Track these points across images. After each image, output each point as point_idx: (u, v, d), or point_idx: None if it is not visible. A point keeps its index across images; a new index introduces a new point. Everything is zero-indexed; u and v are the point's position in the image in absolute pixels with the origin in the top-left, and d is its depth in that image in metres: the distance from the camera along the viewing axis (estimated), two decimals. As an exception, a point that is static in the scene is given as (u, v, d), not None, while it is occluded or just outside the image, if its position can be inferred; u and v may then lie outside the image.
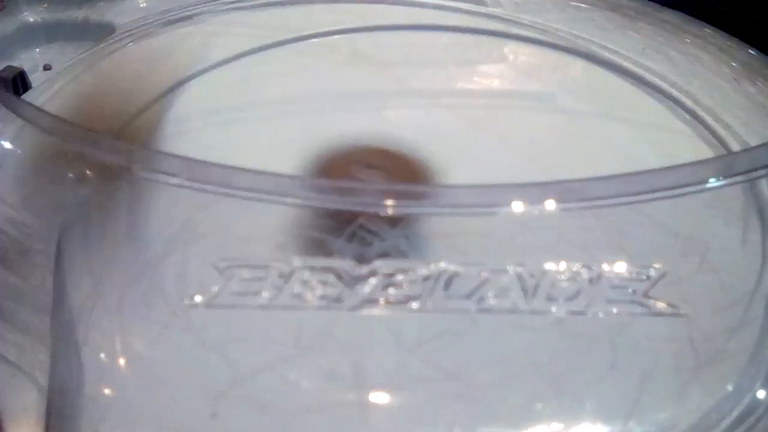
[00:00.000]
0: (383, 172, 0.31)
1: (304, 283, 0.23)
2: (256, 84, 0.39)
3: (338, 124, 0.36)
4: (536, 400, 0.22)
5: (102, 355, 0.23)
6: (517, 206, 0.24)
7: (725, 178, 0.24)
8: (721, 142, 0.35)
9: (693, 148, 0.35)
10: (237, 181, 0.24)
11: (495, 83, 0.40)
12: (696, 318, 0.23)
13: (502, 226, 0.25)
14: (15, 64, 0.42)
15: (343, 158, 0.32)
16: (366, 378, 0.22)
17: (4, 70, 0.39)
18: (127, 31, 0.43)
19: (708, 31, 0.43)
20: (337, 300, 0.23)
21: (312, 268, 0.24)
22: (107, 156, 0.26)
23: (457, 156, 0.34)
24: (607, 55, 0.41)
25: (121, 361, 0.23)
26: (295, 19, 0.44)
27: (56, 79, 0.39)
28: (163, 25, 0.43)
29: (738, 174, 0.25)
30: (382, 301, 0.23)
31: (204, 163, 0.24)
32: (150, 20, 0.44)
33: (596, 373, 0.22)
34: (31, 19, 0.45)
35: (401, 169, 0.32)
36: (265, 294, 0.23)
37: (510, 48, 0.42)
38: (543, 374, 0.22)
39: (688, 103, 0.37)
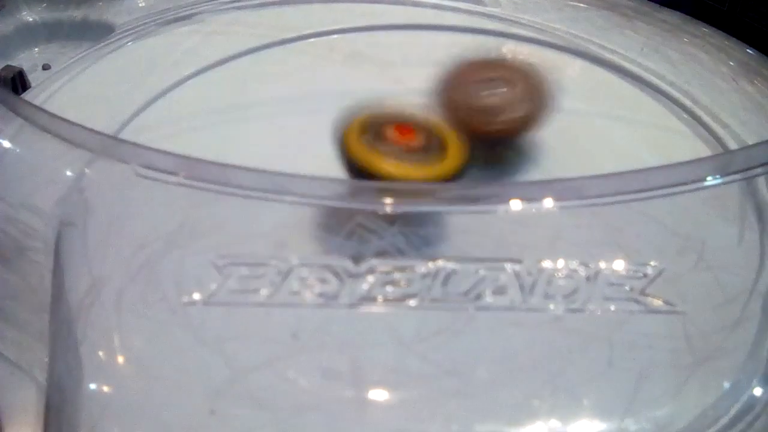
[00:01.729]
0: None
1: (302, 280, 0.23)
2: (255, 83, 0.39)
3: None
4: (533, 397, 0.22)
5: (100, 353, 0.23)
6: (515, 204, 0.24)
7: (722, 176, 0.25)
8: (719, 141, 0.35)
9: (691, 147, 0.35)
10: (235, 180, 0.24)
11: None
12: (693, 315, 0.23)
13: (499, 223, 0.25)
14: (14, 63, 0.42)
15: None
16: (364, 375, 0.22)
17: (3, 69, 0.39)
18: (126, 30, 0.43)
19: (706, 30, 0.43)
20: (335, 297, 0.23)
21: (310, 266, 0.24)
22: (106, 155, 0.27)
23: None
24: (605, 54, 0.41)
25: (120, 359, 0.23)
26: (294, 19, 0.44)
27: (55, 79, 0.39)
28: (162, 25, 0.43)
29: (735, 172, 0.25)
30: (379, 298, 0.23)
31: (202, 161, 0.24)
32: (149, 20, 0.44)
33: (593, 371, 0.22)
34: (30, 19, 0.45)
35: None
36: (264, 291, 0.23)
37: (508, 47, 0.42)
38: (540, 371, 0.22)
39: (687, 102, 0.38)
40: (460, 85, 0.33)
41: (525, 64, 0.34)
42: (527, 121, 0.33)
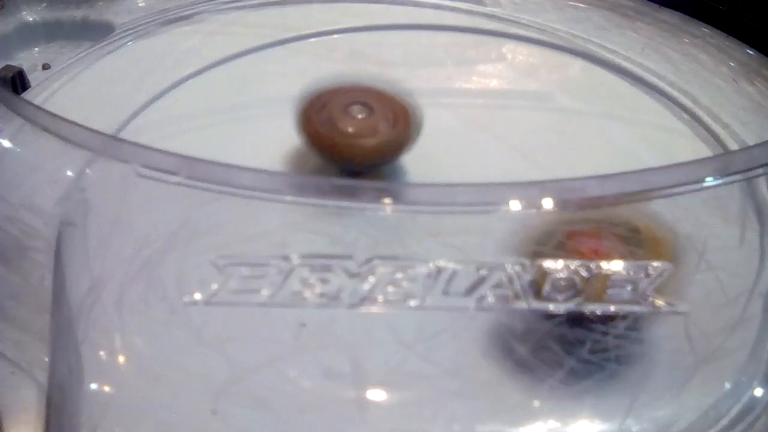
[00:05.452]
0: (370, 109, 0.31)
1: (304, 280, 0.23)
2: (255, 83, 0.39)
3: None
4: (534, 397, 0.22)
5: (101, 353, 0.23)
6: (515, 204, 0.24)
7: (723, 176, 0.25)
8: (720, 141, 0.35)
9: (691, 148, 0.35)
10: (236, 179, 0.24)
11: (493, 83, 0.40)
12: (694, 316, 0.23)
13: (500, 223, 0.25)
14: (14, 63, 0.42)
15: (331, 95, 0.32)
16: (365, 375, 0.22)
17: (3, 69, 0.39)
18: (126, 30, 0.43)
19: (706, 30, 0.43)
20: (336, 298, 0.23)
21: (311, 266, 0.24)
22: (106, 154, 0.26)
23: (455, 155, 0.34)
24: (605, 54, 0.41)
25: (121, 359, 0.23)
26: (293, 19, 0.44)
27: (55, 79, 0.39)
28: (162, 25, 0.43)
29: (735, 173, 0.25)
30: (381, 298, 0.23)
31: (203, 161, 0.24)
32: (149, 19, 0.44)
33: (594, 371, 0.22)
34: (30, 19, 0.45)
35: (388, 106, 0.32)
36: (265, 291, 0.23)
37: (508, 47, 0.42)
38: (541, 371, 0.22)
39: (687, 102, 0.38)
40: (319, 111, 0.31)
41: (392, 90, 0.32)
42: (390, 148, 0.31)
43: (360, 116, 0.31)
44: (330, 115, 0.31)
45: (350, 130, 0.30)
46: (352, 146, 0.31)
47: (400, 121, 0.31)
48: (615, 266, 0.24)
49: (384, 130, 0.31)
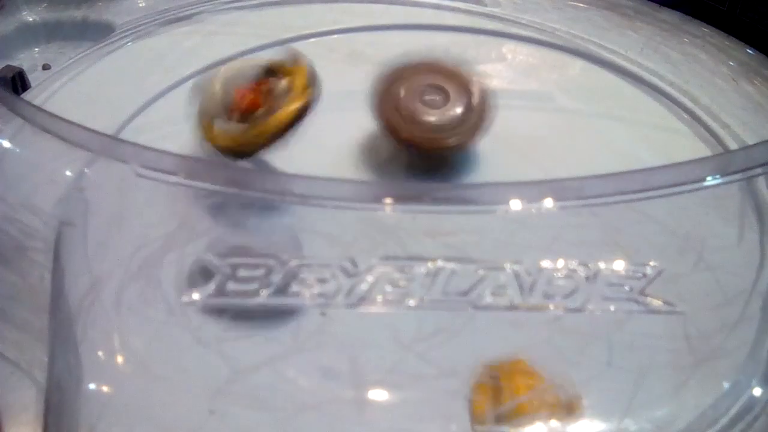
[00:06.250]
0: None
1: (302, 281, 0.23)
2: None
3: (337, 123, 0.36)
4: (533, 397, 0.22)
5: (100, 353, 0.23)
6: (515, 204, 0.24)
7: (722, 176, 0.25)
8: (719, 141, 0.35)
9: (691, 147, 0.35)
10: (235, 180, 0.24)
11: (493, 83, 0.40)
12: (693, 316, 0.23)
13: (499, 223, 0.25)
14: (14, 63, 0.42)
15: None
16: (363, 375, 0.22)
17: (3, 69, 0.39)
18: (126, 30, 0.43)
19: (706, 30, 0.43)
20: (335, 298, 0.23)
21: (309, 266, 0.24)
22: (106, 155, 0.27)
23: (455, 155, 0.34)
24: (605, 54, 0.41)
25: (119, 359, 0.23)
26: (293, 19, 0.44)
27: (55, 79, 0.39)
28: (162, 25, 0.43)
29: (735, 172, 0.25)
30: (379, 298, 0.23)
31: (203, 161, 0.24)
32: (149, 20, 0.44)
33: (593, 371, 0.22)
34: (30, 19, 0.45)
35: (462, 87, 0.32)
36: (263, 292, 0.23)
37: (508, 47, 0.42)
38: (540, 371, 0.22)
39: (687, 102, 0.38)
40: (397, 93, 0.32)
41: (469, 75, 0.33)
42: (464, 143, 0.32)
43: (436, 104, 0.31)
44: (407, 106, 0.31)
45: (430, 122, 0.31)
46: (432, 141, 0.31)
47: (474, 108, 0.31)
48: (613, 266, 0.24)
49: (462, 123, 0.31)
